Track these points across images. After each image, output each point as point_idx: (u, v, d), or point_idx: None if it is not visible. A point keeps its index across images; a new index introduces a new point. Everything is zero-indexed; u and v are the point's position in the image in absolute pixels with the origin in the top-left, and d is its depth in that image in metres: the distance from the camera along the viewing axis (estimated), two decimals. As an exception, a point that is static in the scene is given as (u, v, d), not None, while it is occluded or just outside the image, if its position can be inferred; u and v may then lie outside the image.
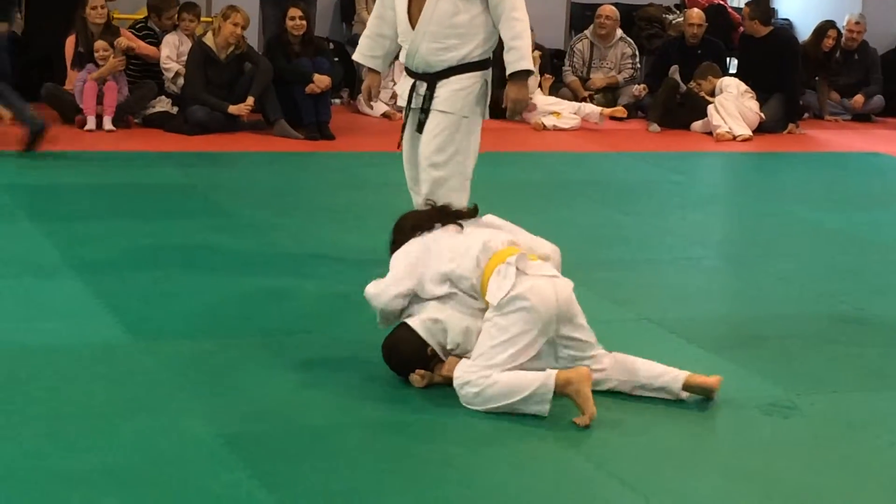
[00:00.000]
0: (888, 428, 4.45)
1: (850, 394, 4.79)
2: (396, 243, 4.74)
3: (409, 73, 5.68)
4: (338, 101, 11.56)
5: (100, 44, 9.80)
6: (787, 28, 13.85)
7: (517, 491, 3.78)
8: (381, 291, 4.60)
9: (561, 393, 4.25)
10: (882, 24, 13.50)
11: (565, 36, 13.48)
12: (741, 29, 12.74)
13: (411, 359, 4.50)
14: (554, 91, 11.94)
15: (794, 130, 11.76)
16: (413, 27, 5.57)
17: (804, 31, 13.37)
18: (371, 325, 4.73)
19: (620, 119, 11.79)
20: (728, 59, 12.99)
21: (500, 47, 5.59)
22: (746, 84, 11.58)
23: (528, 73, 5.55)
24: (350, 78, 11.61)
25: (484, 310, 4.44)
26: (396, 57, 5.92)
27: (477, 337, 4.42)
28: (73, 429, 3.99)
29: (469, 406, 4.32)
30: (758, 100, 11.55)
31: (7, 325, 5.01)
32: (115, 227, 6.78)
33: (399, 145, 5.79)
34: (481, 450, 4.06)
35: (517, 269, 4.38)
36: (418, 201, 5.63)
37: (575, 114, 11.42)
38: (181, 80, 10.17)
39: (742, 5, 12.61)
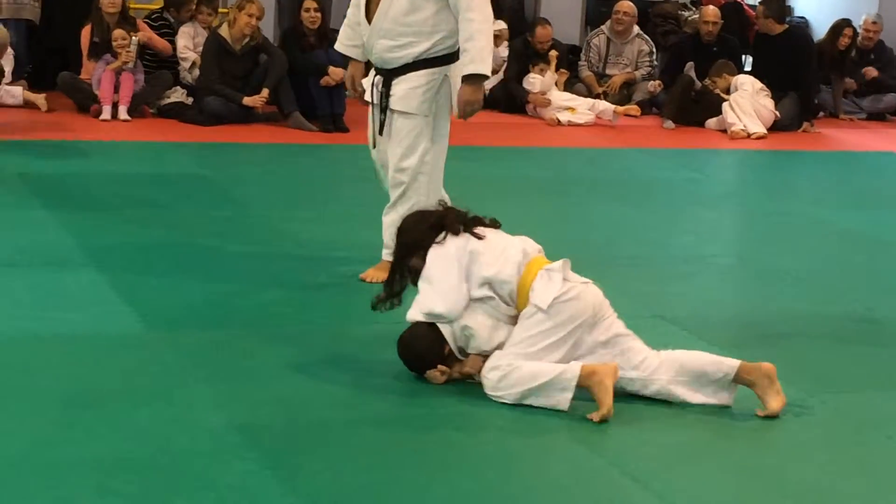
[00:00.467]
0: (900, 428, 4.45)
1: (863, 393, 4.78)
2: (412, 243, 4.58)
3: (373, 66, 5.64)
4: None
5: (118, 32, 9.81)
6: (802, 26, 13.82)
7: (529, 486, 3.78)
8: (453, 306, 4.42)
9: (584, 384, 4.27)
10: (899, 23, 13.47)
11: (581, 31, 13.47)
12: (757, 26, 12.72)
13: (427, 356, 4.49)
14: (569, 87, 11.93)
15: (808, 129, 11.74)
16: (370, 22, 5.52)
17: (820, 30, 13.35)
18: (386, 319, 4.72)
19: (634, 116, 11.79)
20: (743, 56, 12.96)
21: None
22: (762, 82, 11.56)
23: (481, 76, 5.38)
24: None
25: (515, 317, 4.47)
26: None
27: (499, 345, 4.45)
28: (87, 417, 4.00)
29: (492, 393, 4.34)
30: (773, 98, 11.53)
31: (22, 314, 5.02)
32: (129, 216, 6.80)
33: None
34: (493, 445, 4.07)
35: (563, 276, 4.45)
36: (386, 188, 5.63)
37: (589, 110, 11.42)
38: (197, 71, 10.18)
39: (758, 3, 12.58)
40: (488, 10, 5.40)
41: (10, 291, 5.31)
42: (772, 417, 4.38)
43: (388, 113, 5.57)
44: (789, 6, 14.53)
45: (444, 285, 4.45)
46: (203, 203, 7.34)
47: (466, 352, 4.50)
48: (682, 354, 4.55)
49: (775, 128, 11.40)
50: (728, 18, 12.59)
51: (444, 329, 4.45)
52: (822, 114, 12.60)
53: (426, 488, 3.71)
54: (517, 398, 4.32)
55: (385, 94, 5.54)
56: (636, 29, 12.50)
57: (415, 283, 4.59)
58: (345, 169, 8.74)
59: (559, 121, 11.24)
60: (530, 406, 4.30)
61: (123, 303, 5.24)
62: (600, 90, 12.08)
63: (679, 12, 13.56)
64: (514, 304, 4.47)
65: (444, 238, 4.52)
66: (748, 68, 12.77)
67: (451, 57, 5.49)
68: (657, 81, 12.11)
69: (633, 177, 9.26)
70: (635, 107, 11.83)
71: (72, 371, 4.43)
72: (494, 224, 4.67)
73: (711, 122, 11.57)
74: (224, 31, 10.02)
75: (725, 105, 11.37)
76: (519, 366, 4.33)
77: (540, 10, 13.02)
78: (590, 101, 11.60)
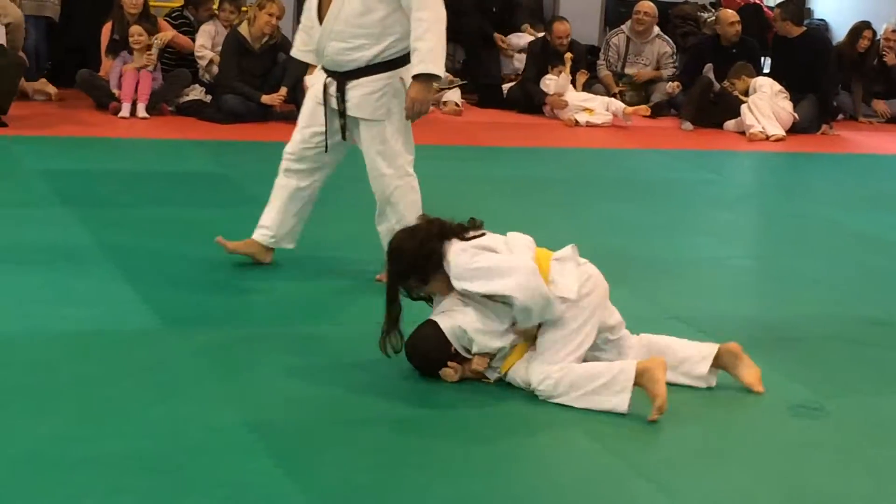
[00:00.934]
0: (915, 432, 4.43)
1: (878, 396, 4.77)
2: (408, 266, 4.48)
3: (323, 68, 5.56)
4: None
5: (135, 28, 9.83)
6: (821, 28, 13.78)
7: (541, 486, 3.78)
8: (539, 283, 4.34)
9: (637, 382, 4.28)
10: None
11: (600, 31, 13.46)
12: (775, 28, 12.69)
13: (434, 355, 4.49)
14: (588, 87, 11.90)
15: (827, 131, 11.71)
16: (321, 23, 5.43)
17: (840, 32, 13.31)
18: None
19: (646, 116, 11.75)
20: (763, 58, 12.93)
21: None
22: (780, 84, 11.53)
23: (431, 76, 5.27)
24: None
25: (514, 318, 4.44)
26: None
27: (500, 348, 4.46)
28: (102, 414, 4.02)
29: (551, 400, 4.34)
30: (791, 100, 11.51)
31: (39, 311, 5.04)
32: (147, 214, 6.82)
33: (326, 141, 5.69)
34: (505, 445, 4.07)
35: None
36: (295, 184, 5.81)
37: (606, 110, 11.39)
38: (215, 69, 10.21)
39: (775, 5, 12.54)
40: (441, 10, 5.28)
41: (27, 288, 5.33)
42: (756, 392, 4.54)
43: (346, 119, 5.52)
44: (808, 8, 14.51)
45: (514, 273, 4.35)
46: (220, 201, 7.35)
47: (473, 351, 4.49)
48: (660, 340, 4.66)
49: (794, 130, 11.38)
50: (747, 20, 12.56)
51: (446, 329, 4.46)
52: (840, 116, 12.57)
53: (437, 490, 3.71)
54: (575, 401, 4.31)
55: (340, 99, 5.47)
56: (656, 29, 12.49)
57: (420, 299, 4.60)
58: (360, 169, 8.71)
59: (577, 122, 11.22)
60: (545, 404, 4.31)
61: (139, 300, 5.25)
62: (616, 90, 12.06)
63: (698, 14, 13.54)
64: None
65: (454, 244, 4.46)
66: (767, 70, 12.74)
67: (405, 60, 5.38)
68: (675, 83, 12.09)
69: (650, 178, 9.24)
70: (645, 107, 11.79)
71: (86, 367, 4.44)
72: (478, 225, 4.61)
73: (730, 124, 11.55)
74: (244, 29, 10.04)
75: (744, 107, 11.35)
76: (570, 369, 4.33)
77: (558, 11, 13.02)
78: (605, 99, 11.57)
